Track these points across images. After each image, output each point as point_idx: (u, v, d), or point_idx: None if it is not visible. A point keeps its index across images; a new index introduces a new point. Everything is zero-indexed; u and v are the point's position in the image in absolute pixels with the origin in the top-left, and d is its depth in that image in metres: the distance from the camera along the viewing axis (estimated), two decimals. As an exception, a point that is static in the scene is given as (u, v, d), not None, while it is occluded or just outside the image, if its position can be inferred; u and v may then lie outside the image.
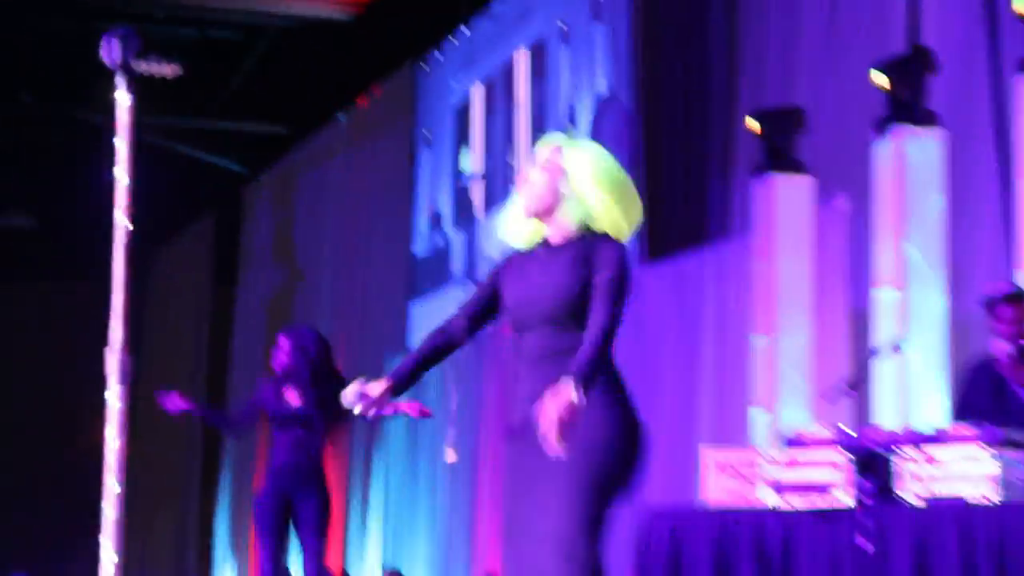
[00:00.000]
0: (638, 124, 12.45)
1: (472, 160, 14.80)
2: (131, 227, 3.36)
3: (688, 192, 12.32)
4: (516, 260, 4.24)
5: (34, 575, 11.28)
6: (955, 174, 9.23)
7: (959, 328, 8.88)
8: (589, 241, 4.09)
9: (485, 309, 4.31)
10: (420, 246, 15.76)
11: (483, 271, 14.15)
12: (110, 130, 3.66)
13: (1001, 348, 6.57)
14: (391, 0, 15.21)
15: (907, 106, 9.13)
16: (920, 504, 5.81)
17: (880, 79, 9.11)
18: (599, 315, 4.02)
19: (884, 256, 9.06)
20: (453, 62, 15.24)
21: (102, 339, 3.51)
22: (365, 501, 16.64)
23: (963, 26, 9.86)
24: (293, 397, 7.31)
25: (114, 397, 3.24)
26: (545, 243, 4.19)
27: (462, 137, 15.08)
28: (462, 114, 15.07)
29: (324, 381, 7.40)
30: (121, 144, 3.35)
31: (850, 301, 10.02)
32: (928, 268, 8.85)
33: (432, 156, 15.55)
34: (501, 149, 14.43)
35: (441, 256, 15.25)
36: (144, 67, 3.69)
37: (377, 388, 4.20)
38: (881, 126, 9.27)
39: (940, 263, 8.87)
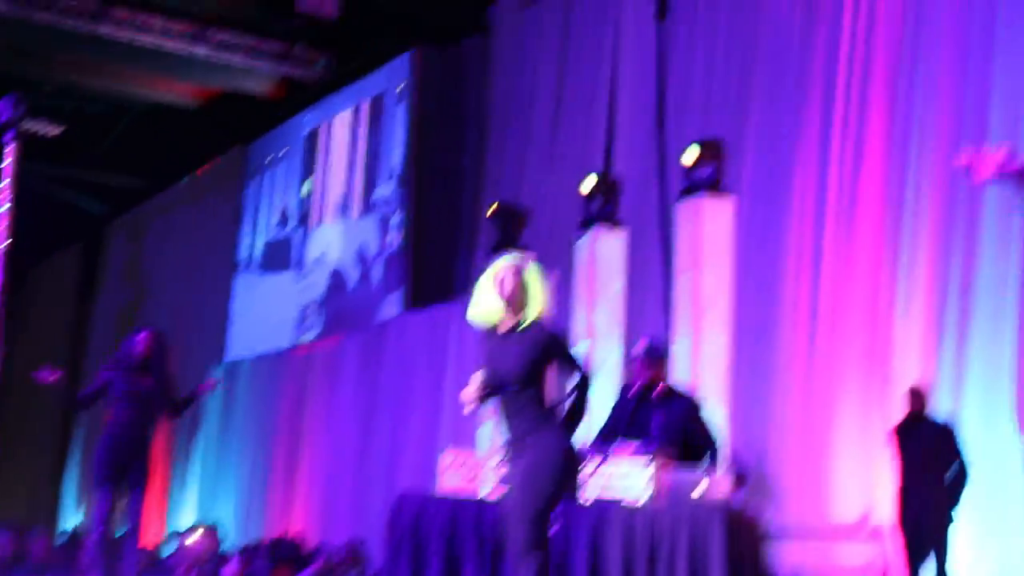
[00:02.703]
0: (408, 210, 12.28)
1: (312, 183, 14.36)
2: (9, 248, 2.98)
3: (443, 260, 12.20)
4: (490, 338, 4.42)
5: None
6: (632, 265, 9.31)
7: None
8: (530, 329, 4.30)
9: None
10: (269, 235, 15.23)
11: (311, 260, 13.83)
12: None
13: (634, 386, 6.38)
14: (225, 98, 14.98)
15: (600, 213, 9.17)
16: (591, 502, 5.65)
17: (587, 186, 9.13)
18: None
19: (580, 318, 9.06)
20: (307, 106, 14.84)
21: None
22: (185, 469, 16.02)
23: (643, 157, 10.02)
24: (141, 379, 6.87)
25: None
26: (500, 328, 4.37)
27: (308, 160, 14.62)
28: (309, 141, 14.63)
29: (164, 371, 7.01)
30: (5, 184, 2.98)
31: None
32: (610, 328, 8.86)
33: (286, 169, 15.03)
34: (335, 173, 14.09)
35: (284, 245, 14.80)
36: (31, 125, 3.38)
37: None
38: (583, 225, 9.30)
39: (617, 328, 8.90)
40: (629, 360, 6.63)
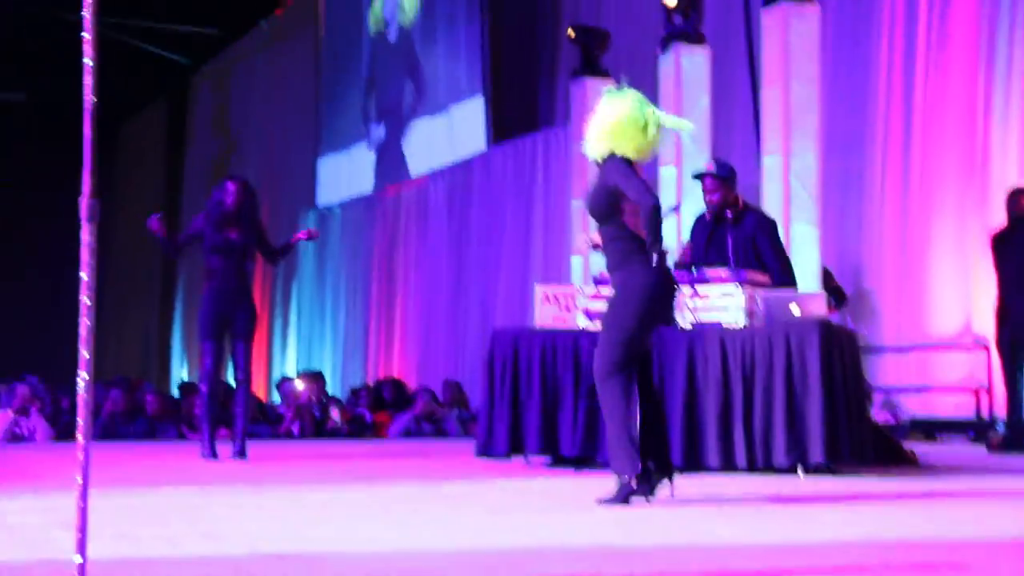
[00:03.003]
0: (485, 37, 12.08)
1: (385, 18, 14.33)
2: (95, 101, 3.03)
3: (524, 90, 12.07)
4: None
5: (42, 377, 10.83)
6: (717, 81, 9.07)
7: (717, 195, 8.80)
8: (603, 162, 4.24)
9: None
10: (352, 76, 15.11)
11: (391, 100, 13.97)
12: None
13: (706, 208, 6.33)
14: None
15: (683, 28, 8.89)
16: (689, 327, 5.71)
17: (669, 1, 8.79)
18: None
19: (665, 143, 8.90)
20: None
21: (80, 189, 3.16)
22: (286, 317, 16.44)
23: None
24: (230, 230, 6.90)
25: (85, 233, 2.93)
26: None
27: None
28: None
29: (254, 220, 7.03)
30: (86, 36, 3.00)
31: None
32: (697, 152, 8.71)
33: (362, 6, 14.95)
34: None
35: (367, 85, 14.79)
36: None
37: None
38: (664, 43, 9.04)
39: (706, 147, 8.74)
40: (695, 178, 6.45)
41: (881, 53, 8.30)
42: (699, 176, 6.37)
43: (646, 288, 4.09)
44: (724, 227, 6.20)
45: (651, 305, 4.11)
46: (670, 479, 4.13)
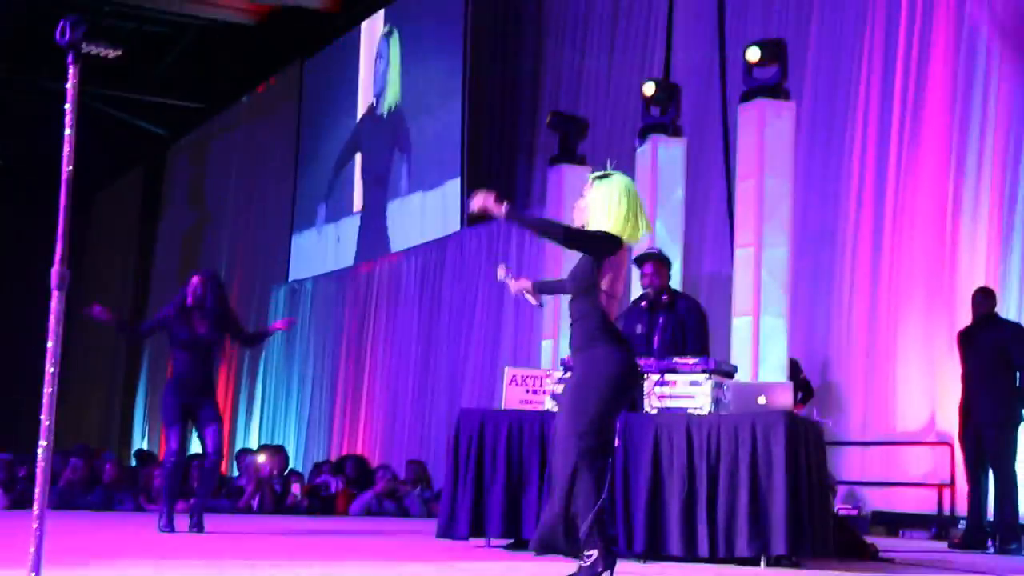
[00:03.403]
0: (465, 118, 12.25)
1: (370, 96, 14.52)
2: (72, 170, 3.07)
3: (501, 173, 12.21)
4: None
5: (2, 445, 10.72)
6: (692, 173, 9.23)
7: (689, 287, 8.91)
8: None
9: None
10: (330, 152, 15.27)
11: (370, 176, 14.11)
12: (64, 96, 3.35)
13: (645, 293, 6.43)
14: (285, 12, 15.00)
15: (660, 119, 9.06)
16: (655, 412, 5.75)
17: (647, 92, 8.93)
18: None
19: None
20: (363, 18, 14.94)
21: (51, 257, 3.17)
22: (251, 391, 16.37)
23: (703, 64, 9.90)
24: (199, 325, 6.94)
25: (54, 301, 2.93)
26: None
27: (366, 73, 14.78)
28: (366, 54, 14.80)
29: (222, 312, 7.07)
30: (68, 108, 3.06)
31: (628, 263, 9.99)
32: (671, 242, 8.83)
33: (345, 82, 15.09)
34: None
35: (344, 161, 14.94)
36: (91, 48, 3.40)
37: (525, 283, 4.69)
38: (642, 134, 9.19)
39: (679, 238, 8.85)
40: (636, 262, 6.54)
41: (854, 151, 8.50)
42: (641, 260, 6.47)
43: (608, 376, 4.11)
44: (658, 311, 6.35)
45: (613, 392, 4.12)
46: (612, 565, 4.08)
